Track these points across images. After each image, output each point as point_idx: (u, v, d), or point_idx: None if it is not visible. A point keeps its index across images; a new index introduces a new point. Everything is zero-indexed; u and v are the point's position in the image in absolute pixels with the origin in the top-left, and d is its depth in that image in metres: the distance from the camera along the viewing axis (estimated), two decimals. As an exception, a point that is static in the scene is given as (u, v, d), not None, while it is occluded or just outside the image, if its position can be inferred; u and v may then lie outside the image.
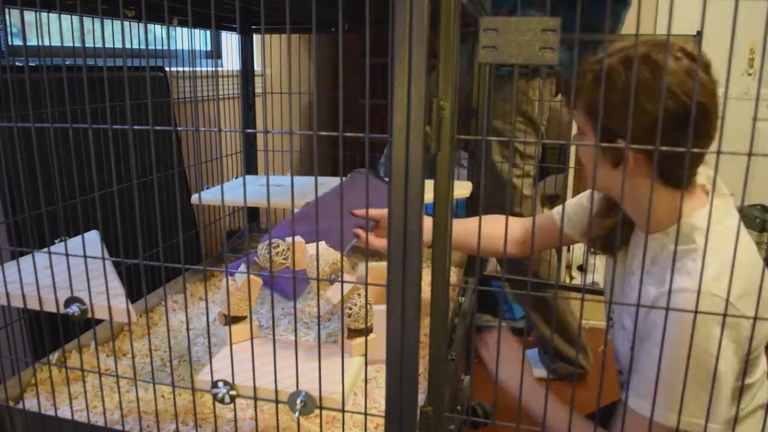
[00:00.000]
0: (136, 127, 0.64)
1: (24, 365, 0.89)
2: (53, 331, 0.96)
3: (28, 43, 1.27)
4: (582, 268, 2.53)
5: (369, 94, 0.58)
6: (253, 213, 1.76)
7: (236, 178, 1.68)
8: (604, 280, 1.14)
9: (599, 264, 2.60)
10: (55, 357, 0.95)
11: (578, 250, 2.60)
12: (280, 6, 1.17)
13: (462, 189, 1.40)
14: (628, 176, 0.84)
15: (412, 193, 0.58)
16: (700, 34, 1.50)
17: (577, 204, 1.14)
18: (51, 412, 0.83)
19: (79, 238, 0.83)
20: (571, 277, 2.61)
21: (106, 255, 0.88)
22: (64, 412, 0.84)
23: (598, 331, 2.36)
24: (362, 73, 2.43)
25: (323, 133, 0.60)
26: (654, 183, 0.84)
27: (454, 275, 1.46)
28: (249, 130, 0.60)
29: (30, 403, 0.85)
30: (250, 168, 1.71)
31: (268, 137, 0.57)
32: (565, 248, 2.52)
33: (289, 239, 0.77)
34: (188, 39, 1.71)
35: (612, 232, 0.97)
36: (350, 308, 0.73)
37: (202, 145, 1.59)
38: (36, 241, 0.90)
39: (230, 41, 1.79)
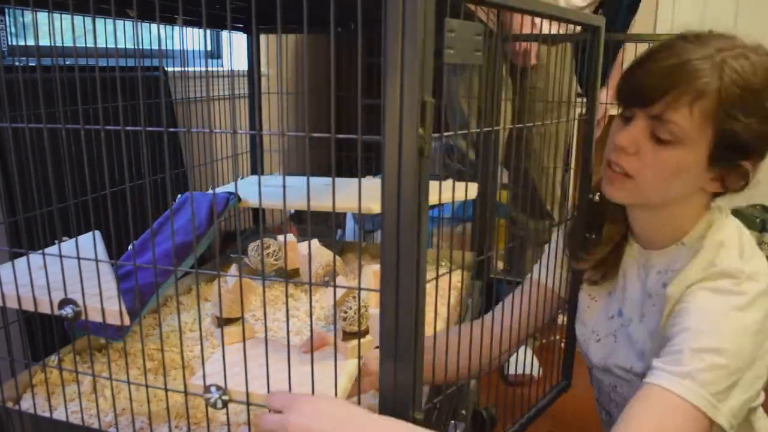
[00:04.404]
0: (128, 128, 0.64)
1: (23, 367, 0.89)
2: (50, 333, 0.96)
3: (22, 44, 1.28)
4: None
5: (366, 94, 0.57)
6: (253, 213, 1.75)
7: (242, 178, 1.68)
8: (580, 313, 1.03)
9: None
10: (53, 359, 0.95)
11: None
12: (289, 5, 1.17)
13: (468, 191, 1.38)
14: (699, 189, 0.83)
15: (405, 196, 0.57)
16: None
17: (553, 254, 1.02)
18: (47, 414, 0.83)
19: (79, 238, 0.83)
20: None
21: (104, 257, 0.88)
22: (60, 414, 0.83)
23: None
24: (365, 73, 2.42)
25: (315, 134, 0.59)
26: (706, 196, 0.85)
27: (461, 277, 1.45)
28: (240, 131, 0.59)
29: (28, 404, 0.85)
30: (258, 168, 1.70)
31: (277, 137, 0.56)
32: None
33: (280, 238, 0.76)
34: (197, 39, 1.71)
35: (601, 262, 0.95)
36: (345, 312, 0.72)
37: (209, 145, 1.59)
38: (41, 241, 0.90)
39: (227, 41, 1.78)
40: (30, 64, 1.13)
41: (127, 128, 0.64)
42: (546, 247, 1.06)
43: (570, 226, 1.00)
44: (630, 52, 2.19)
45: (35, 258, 0.80)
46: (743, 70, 0.74)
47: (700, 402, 0.70)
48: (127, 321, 0.74)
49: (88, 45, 1.30)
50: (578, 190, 0.97)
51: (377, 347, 0.61)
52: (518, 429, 0.98)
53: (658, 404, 0.71)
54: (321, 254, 0.76)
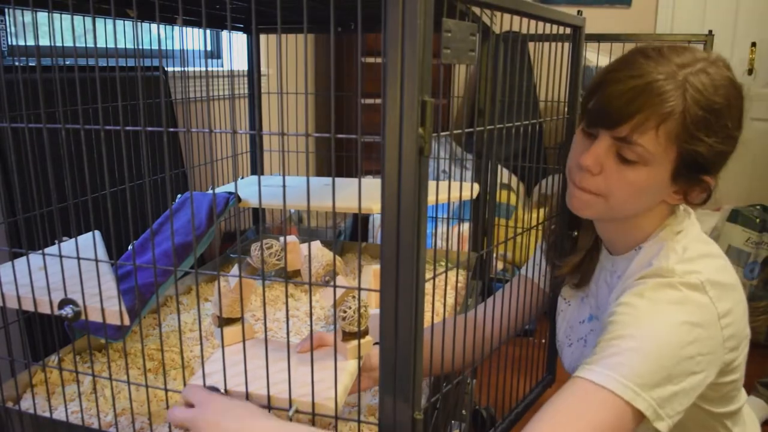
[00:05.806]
0: (127, 128, 0.64)
1: (23, 367, 0.89)
2: (50, 333, 0.96)
3: (22, 44, 1.28)
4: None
5: (368, 95, 0.57)
6: (253, 213, 1.75)
7: (242, 178, 1.68)
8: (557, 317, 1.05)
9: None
10: (53, 359, 0.95)
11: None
12: (289, 5, 1.17)
13: (466, 191, 1.38)
14: (662, 201, 0.84)
15: (405, 196, 0.57)
16: (710, 33, 1.47)
17: (538, 256, 1.05)
18: (47, 414, 0.83)
19: (79, 238, 0.83)
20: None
21: (104, 257, 0.88)
22: (60, 414, 0.83)
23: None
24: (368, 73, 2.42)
25: (315, 134, 0.59)
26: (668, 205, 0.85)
27: (462, 277, 1.45)
28: (240, 131, 0.59)
29: (28, 404, 0.85)
30: (258, 168, 1.70)
31: (281, 138, 0.56)
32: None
33: (283, 239, 0.76)
34: (197, 39, 1.71)
35: (577, 267, 0.97)
36: (344, 311, 0.72)
37: (209, 145, 1.59)
38: (41, 241, 0.90)
39: (227, 41, 1.78)
40: (30, 64, 1.13)
41: (127, 128, 0.64)
42: (536, 245, 1.07)
43: (550, 236, 1.01)
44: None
45: (35, 258, 0.80)
46: (705, 88, 0.75)
47: (610, 383, 0.69)
48: (127, 321, 0.74)
49: (88, 45, 1.30)
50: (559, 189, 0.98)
51: (377, 343, 0.61)
52: (507, 426, 0.98)
53: (571, 390, 0.71)
54: (322, 254, 0.76)
